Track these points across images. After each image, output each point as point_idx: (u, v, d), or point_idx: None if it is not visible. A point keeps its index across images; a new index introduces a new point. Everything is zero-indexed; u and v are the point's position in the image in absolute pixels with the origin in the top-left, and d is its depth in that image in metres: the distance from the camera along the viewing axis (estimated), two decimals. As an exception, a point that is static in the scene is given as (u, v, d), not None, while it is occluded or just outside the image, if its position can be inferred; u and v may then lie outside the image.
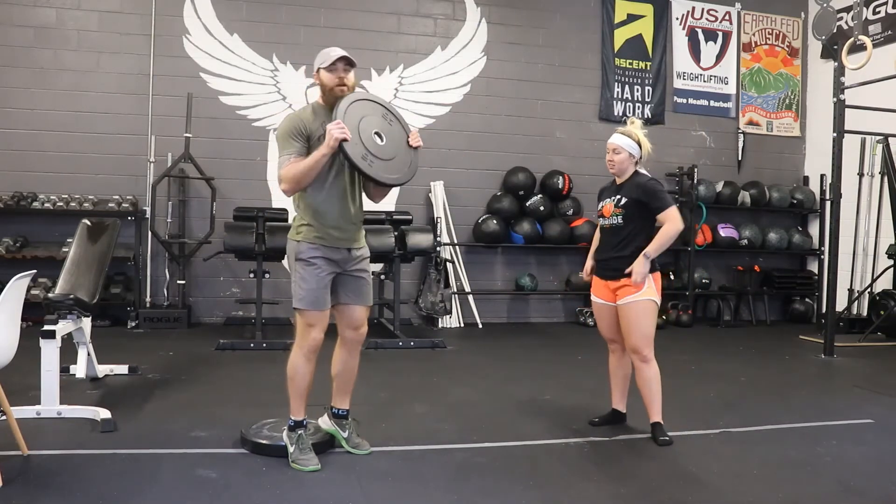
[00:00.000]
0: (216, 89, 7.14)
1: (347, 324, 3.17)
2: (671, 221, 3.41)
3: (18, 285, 2.97)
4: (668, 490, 2.83)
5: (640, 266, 3.39)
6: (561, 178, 7.61)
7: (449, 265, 7.37)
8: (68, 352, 4.04)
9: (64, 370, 4.02)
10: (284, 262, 6.59)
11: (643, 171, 3.60)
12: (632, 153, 3.50)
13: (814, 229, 8.37)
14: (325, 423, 3.23)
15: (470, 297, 7.51)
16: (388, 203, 7.40)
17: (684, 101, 8.35)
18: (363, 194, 3.18)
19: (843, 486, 2.92)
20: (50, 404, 3.53)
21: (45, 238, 6.64)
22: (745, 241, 8.12)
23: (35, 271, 3.37)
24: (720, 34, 8.48)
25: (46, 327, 3.62)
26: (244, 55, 7.19)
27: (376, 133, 2.95)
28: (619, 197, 3.51)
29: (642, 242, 3.45)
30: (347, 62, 2.99)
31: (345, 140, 2.81)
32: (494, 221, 7.43)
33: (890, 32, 7.51)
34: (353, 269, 3.11)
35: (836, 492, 2.87)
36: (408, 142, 3.06)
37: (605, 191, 3.67)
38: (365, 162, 2.87)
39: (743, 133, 8.49)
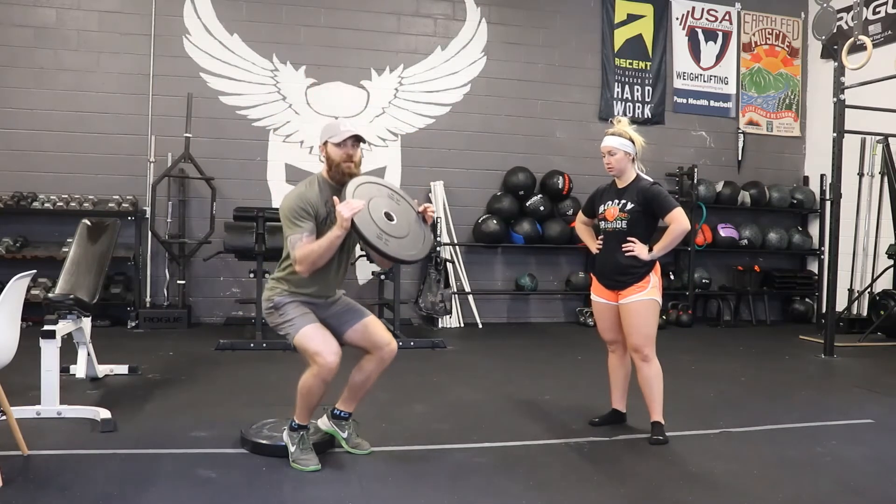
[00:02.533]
0: (216, 89, 7.14)
1: (372, 344, 3.08)
2: (677, 222, 3.42)
3: (18, 285, 2.97)
4: (668, 490, 2.83)
5: (641, 249, 3.44)
6: (561, 178, 7.62)
7: (449, 265, 7.37)
8: (68, 352, 4.04)
9: (64, 370, 4.03)
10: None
11: (644, 175, 3.61)
12: (627, 151, 3.51)
13: (814, 229, 8.37)
14: (324, 423, 3.23)
15: (470, 297, 7.51)
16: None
17: (684, 101, 8.35)
18: (349, 261, 3.14)
19: (843, 486, 2.92)
20: (50, 404, 3.53)
21: (45, 238, 6.65)
22: (745, 241, 8.12)
23: (35, 271, 3.36)
24: (720, 34, 8.48)
25: (46, 327, 3.62)
26: (244, 55, 7.19)
27: (386, 213, 2.93)
28: (624, 201, 3.51)
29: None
30: (357, 139, 2.98)
31: (356, 214, 2.76)
32: (494, 221, 7.43)
33: (890, 32, 7.51)
34: (331, 309, 3.09)
35: (836, 492, 2.87)
36: (419, 215, 3.04)
37: (605, 193, 3.66)
38: (381, 241, 2.85)
39: (743, 133, 8.49)
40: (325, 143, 3.01)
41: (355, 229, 2.80)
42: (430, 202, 7.49)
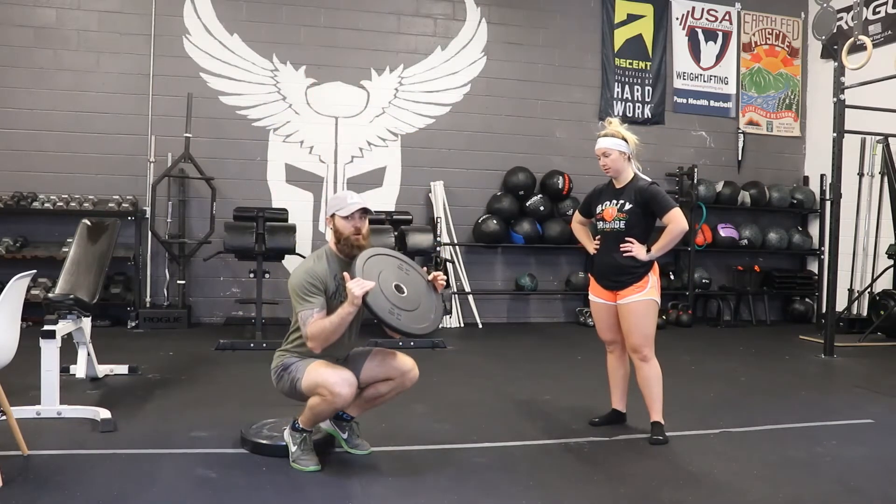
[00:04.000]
0: (216, 89, 7.14)
1: (394, 370, 3.04)
2: (675, 222, 3.42)
3: (18, 285, 2.97)
4: (668, 490, 2.83)
5: (639, 249, 3.44)
6: (561, 178, 7.62)
7: (449, 265, 7.37)
8: (68, 352, 4.04)
9: (64, 370, 4.03)
10: (284, 262, 6.61)
11: (642, 175, 3.61)
12: (622, 150, 3.51)
13: (814, 229, 8.37)
14: (324, 423, 3.23)
15: (470, 297, 7.51)
16: (389, 203, 7.42)
17: (684, 101, 8.35)
18: (359, 329, 3.12)
19: (843, 486, 2.92)
20: (50, 404, 3.53)
21: (45, 238, 6.65)
22: (745, 241, 8.12)
23: (35, 271, 3.36)
24: (720, 34, 8.48)
25: (46, 327, 3.62)
26: (244, 55, 7.19)
27: (396, 286, 2.92)
28: (622, 202, 3.51)
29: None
30: (364, 211, 2.97)
31: (366, 293, 2.75)
32: (494, 221, 7.43)
33: (890, 32, 7.51)
34: (343, 362, 3.06)
35: (836, 492, 2.87)
36: (428, 284, 3.03)
37: (603, 193, 3.66)
38: (393, 316, 2.83)
39: (743, 133, 8.49)
40: (333, 216, 2.99)
41: (367, 306, 2.79)
42: (430, 202, 7.49)
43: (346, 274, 2.84)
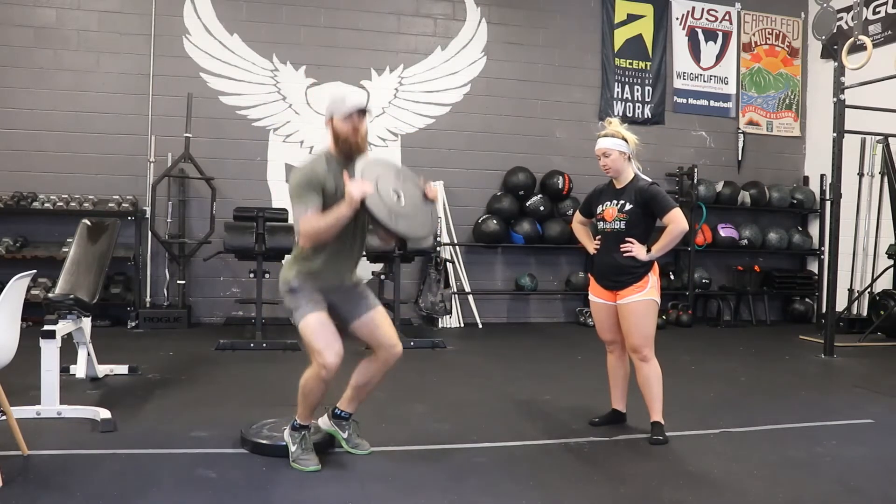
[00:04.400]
0: (216, 89, 7.14)
1: (377, 342, 3.07)
2: (675, 222, 3.42)
3: (18, 285, 2.97)
4: (668, 490, 2.83)
5: (639, 249, 3.44)
6: (561, 178, 7.62)
7: (449, 265, 7.38)
8: (68, 352, 4.04)
9: (64, 370, 4.03)
10: (285, 262, 6.60)
11: (642, 175, 3.61)
12: (622, 150, 3.51)
13: (814, 229, 8.37)
14: (324, 423, 3.23)
15: (470, 297, 7.51)
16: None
17: (684, 101, 8.35)
18: (364, 243, 3.14)
19: (843, 486, 2.92)
20: (50, 404, 3.53)
21: (45, 238, 6.65)
22: (745, 241, 8.12)
23: (35, 271, 3.36)
24: (720, 34, 8.48)
25: (46, 327, 3.62)
26: (244, 55, 7.19)
27: (394, 192, 2.94)
28: (622, 202, 3.51)
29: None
30: (362, 112, 2.97)
31: (366, 196, 2.77)
32: (494, 221, 7.43)
33: (890, 32, 7.51)
34: (345, 294, 3.08)
35: (836, 492, 2.87)
36: (424, 195, 3.05)
37: (603, 193, 3.66)
38: (392, 220, 2.86)
39: (743, 133, 8.49)
40: (331, 119, 3.00)
41: (366, 208, 2.81)
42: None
43: (346, 173, 2.85)
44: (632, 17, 8.18)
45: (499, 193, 7.62)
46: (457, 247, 7.54)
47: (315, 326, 2.91)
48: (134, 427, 3.48)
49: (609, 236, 3.56)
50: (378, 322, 3.09)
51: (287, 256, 3.08)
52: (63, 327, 3.77)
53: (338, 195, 2.89)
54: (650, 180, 3.57)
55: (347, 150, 2.96)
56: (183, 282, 6.87)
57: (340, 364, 2.88)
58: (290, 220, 3.01)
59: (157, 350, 5.49)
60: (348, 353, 2.97)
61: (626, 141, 3.51)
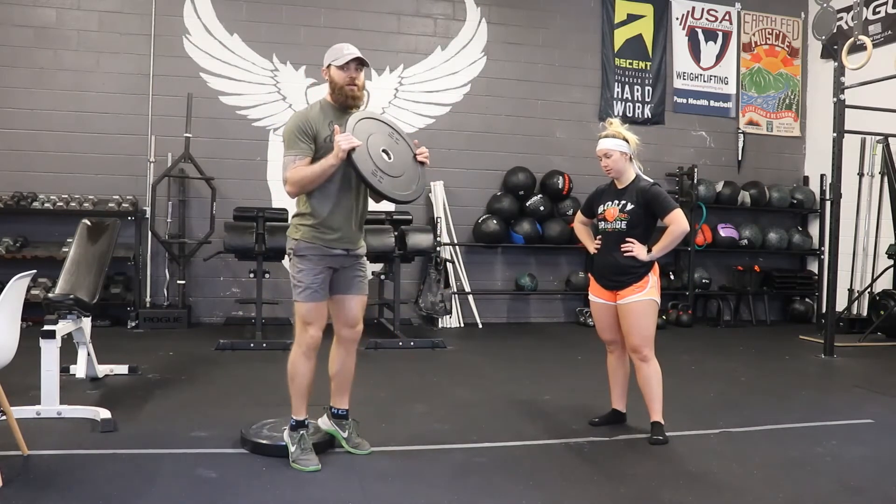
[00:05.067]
0: (216, 89, 7.14)
1: (343, 320, 3.15)
2: (676, 223, 3.43)
3: (18, 285, 2.97)
4: (668, 490, 2.83)
5: (640, 250, 3.44)
6: (561, 178, 7.62)
7: (449, 265, 7.37)
8: (68, 352, 4.04)
9: (64, 370, 4.03)
10: (284, 262, 6.59)
11: (644, 175, 3.61)
12: (623, 151, 3.52)
13: (814, 229, 8.37)
14: (324, 423, 3.23)
15: (470, 297, 7.51)
16: (389, 203, 7.39)
17: (684, 101, 8.35)
18: (367, 201, 3.17)
19: (843, 486, 2.92)
20: (50, 404, 3.53)
21: (45, 238, 6.64)
22: (745, 241, 8.12)
23: (35, 271, 3.36)
24: (720, 34, 8.48)
25: (46, 327, 3.62)
26: (244, 55, 7.19)
27: (384, 151, 2.95)
28: (623, 202, 3.52)
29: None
30: (360, 62, 2.97)
31: (353, 150, 2.79)
32: (494, 221, 7.43)
33: (890, 32, 7.51)
34: (349, 266, 3.12)
35: (836, 492, 2.87)
36: (415, 157, 3.07)
37: (604, 193, 3.66)
38: (375, 178, 2.87)
39: (743, 133, 8.49)
40: (329, 67, 3.02)
41: (351, 162, 2.83)
42: (430, 202, 7.49)
43: (336, 126, 2.88)
44: (632, 17, 8.18)
45: (499, 193, 7.62)
46: (457, 247, 7.54)
47: (310, 310, 3.01)
48: (134, 427, 3.48)
49: (610, 236, 3.56)
50: (354, 304, 3.15)
51: (293, 217, 3.11)
52: (63, 327, 3.77)
53: (329, 144, 2.92)
54: (651, 181, 3.58)
55: (343, 99, 3.00)
56: (183, 282, 6.87)
57: (321, 338, 3.01)
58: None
59: (157, 350, 5.49)
60: (325, 351, 3.02)
61: (627, 141, 3.52)
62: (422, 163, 3.09)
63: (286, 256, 3.14)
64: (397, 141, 3.06)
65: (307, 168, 2.89)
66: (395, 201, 3.03)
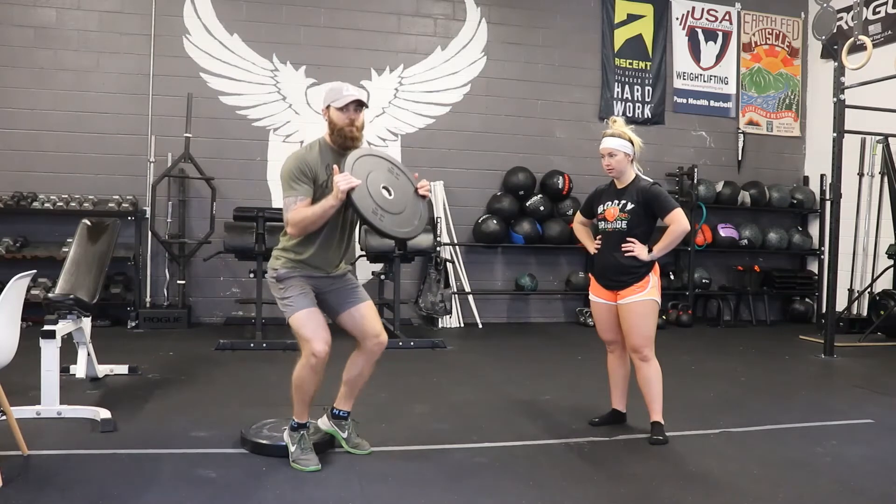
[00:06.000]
0: (216, 89, 7.14)
1: (361, 333, 3.09)
2: (677, 223, 3.43)
3: (18, 285, 2.97)
4: (668, 490, 2.83)
5: (641, 249, 3.44)
6: (561, 178, 7.62)
7: (449, 265, 7.37)
8: (68, 352, 4.04)
9: (64, 370, 4.03)
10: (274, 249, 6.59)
11: (643, 175, 3.61)
12: (627, 152, 3.51)
13: (814, 229, 8.37)
14: (324, 423, 3.23)
15: (470, 297, 7.51)
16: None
17: (684, 101, 8.35)
18: (354, 238, 3.16)
19: (843, 486, 2.92)
20: (50, 404, 3.53)
21: (45, 238, 6.65)
22: (745, 241, 8.12)
23: (35, 271, 3.37)
24: (720, 34, 8.48)
25: (46, 327, 3.62)
26: (244, 55, 7.19)
27: (384, 187, 2.93)
28: (623, 202, 3.52)
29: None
30: (359, 103, 2.97)
31: (352, 189, 2.77)
32: (494, 221, 7.43)
33: (890, 32, 7.51)
34: (337, 286, 3.11)
35: (836, 492, 2.87)
36: (416, 191, 3.05)
37: (604, 193, 3.66)
38: (376, 217, 2.85)
39: (743, 133, 8.49)
40: (328, 107, 3.01)
41: (351, 202, 2.81)
42: (430, 202, 7.49)
43: (335, 167, 2.86)
44: (632, 17, 8.18)
45: (499, 193, 7.62)
46: (457, 247, 7.54)
47: (304, 319, 2.94)
48: (134, 427, 3.48)
49: (610, 236, 3.56)
50: (364, 313, 3.11)
51: (275, 249, 3.09)
52: (63, 327, 3.77)
53: (328, 186, 2.91)
54: (651, 180, 3.58)
55: (342, 141, 2.98)
56: (183, 282, 6.87)
57: (329, 352, 2.91)
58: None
59: (157, 350, 5.50)
60: (338, 351, 2.97)
61: (631, 143, 3.52)
62: (423, 196, 3.06)
63: (271, 284, 3.08)
64: (397, 176, 3.03)
65: (308, 209, 2.87)
66: (397, 239, 3.01)
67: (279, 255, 3.06)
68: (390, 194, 2.94)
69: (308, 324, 2.93)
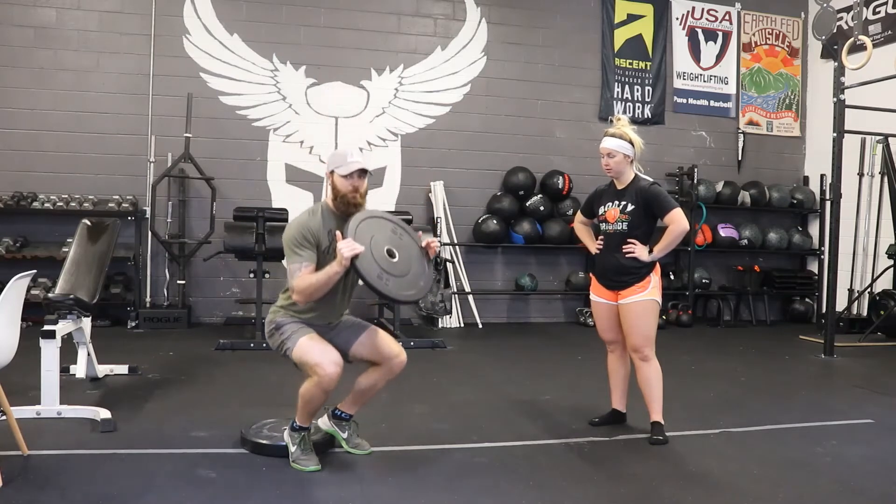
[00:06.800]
0: (216, 89, 7.14)
1: (381, 355, 3.07)
2: (676, 222, 3.42)
3: (18, 285, 2.97)
4: (668, 490, 2.83)
5: (642, 250, 3.44)
6: (561, 178, 7.62)
7: (449, 265, 7.37)
8: (68, 352, 4.04)
9: (64, 370, 4.03)
10: (284, 262, 6.59)
11: (643, 174, 3.61)
12: (626, 153, 3.50)
13: (814, 229, 8.37)
14: (324, 423, 3.23)
15: (470, 297, 7.51)
16: (389, 203, 7.42)
17: (684, 101, 8.35)
18: (353, 291, 3.15)
19: (843, 486, 2.92)
20: (50, 404, 3.53)
21: (45, 238, 6.64)
22: (745, 241, 8.12)
23: (35, 271, 3.37)
24: (720, 34, 8.48)
25: (46, 327, 3.62)
26: (244, 55, 7.19)
27: (388, 250, 2.92)
28: (624, 203, 3.51)
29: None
30: (363, 171, 2.98)
31: (356, 256, 2.75)
32: (494, 221, 7.43)
33: (890, 32, 7.51)
34: (334, 329, 3.10)
35: (836, 492, 2.87)
36: (421, 249, 3.04)
37: (604, 194, 3.66)
38: (381, 281, 2.83)
39: (743, 133, 8.49)
40: (332, 173, 2.99)
41: (355, 269, 2.79)
42: (430, 202, 7.49)
43: (338, 232, 2.85)
44: (632, 17, 8.18)
45: (499, 193, 7.62)
46: (457, 247, 7.54)
47: (306, 344, 2.92)
48: (134, 427, 3.48)
49: (612, 237, 3.56)
50: (375, 339, 3.09)
51: (272, 307, 3.10)
52: (63, 327, 3.77)
53: (330, 251, 2.91)
54: (651, 180, 3.57)
55: (345, 207, 2.97)
56: (183, 282, 6.87)
57: (341, 373, 2.87)
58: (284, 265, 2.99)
59: (157, 350, 5.50)
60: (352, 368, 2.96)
61: (631, 144, 3.51)
62: (430, 253, 3.05)
63: (269, 336, 3.07)
64: (401, 236, 3.02)
65: (313, 276, 2.85)
66: (402, 303, 2.99)
67: (278, 310, 3.06)
68: (394, 257, 2.92)
69: (312, 348, 2.90)
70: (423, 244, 3.06)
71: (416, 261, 3.01)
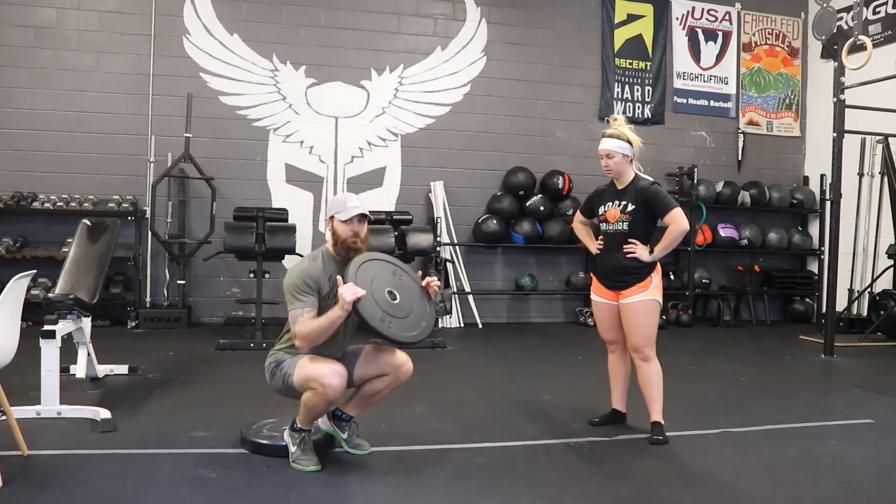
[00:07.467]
0: (216, 89, 7.14)
1: (388, 366, 3.06)
2: (676, 222, 3.42)
3: (18, 285, 2.97)
4: (668, 490, 2.83)
5: (642, 250, 3.44)
6: (561, 178, 7.62)
7: (449, 265, 7.37)
8: (68, 352, 4.04)
9: (64, 370, 4.03)
10: (284, 262, 6.60)
11: (643, 174, 3.61)
12: (625, 153, 3.50)
13: (814, 229, 8.37)
14: (324, 423, 3.22)
15: (470, 297, 7.51)
16: (389, 203, 7.42)
17: (684, 101, 8.35)
18: (353, 333, 3.15)
19: (843, 486, 2.92)
20: (50, 404, 3.53)
21: (45, 238, 6.64)
22: (745, 241, 8.12)
23: (35, 271, 3.36)
24: (720, 34, 8.48)
25: (46, 327, 3.62)
26: (244, 55, 7.19)
27: (389, 292, 2.92)
28: (624, 203, 3.51)
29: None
30: (363, 216, 2.99)
31: (358, 300, 2.76)
32: (494, 221, 7.42)
33: (890, 32, 7.51)
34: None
35: (836, 492, 2.87)
36: (422, 289, 3.03)
37: (605, 194, 3.66)
38: (383, 324, 2.83)
39: (743, 133, 8.49)
40: (332, 218, 3.00)
41: (357, 312, 2.80)
42: (430, 202, 7.49)
43: (339, 277, 2.86)
44: (632, 17, 8.18)
45: (499, 193, 7.62)
46: (457, 247, 7.54)
47: (306, 361, 2.91)
48: (134, 427, 3.48)
49: (612, 238, 3.56)
50: (377, 354, 3.09)
51: (271, 351, 3.10)
52: (63, 327, 3.77)
53: (332, 296, 2.91)
54: (651, 179, 3.57)
55: (345, 252, 2.98)
56: (183, 282, 6.87)
57: (345, 385, 2.88)
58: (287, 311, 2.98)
59: (157, 350, 5.49)
60: None
61: (630, 144, 3.51)
62: (430, 294, 3.04)
63: (271, 377, 3.05)
64: (401, 277, 3.02)
65: (315, 322, 2.85)
66: (405, 345, 2.99)
67: (277, 351, 3.07)
68: (395, 298, 2.93)
69: (312, 363, 2.88)
70: (424, 284, 3.07)
71: (417, 301, 3.01)
